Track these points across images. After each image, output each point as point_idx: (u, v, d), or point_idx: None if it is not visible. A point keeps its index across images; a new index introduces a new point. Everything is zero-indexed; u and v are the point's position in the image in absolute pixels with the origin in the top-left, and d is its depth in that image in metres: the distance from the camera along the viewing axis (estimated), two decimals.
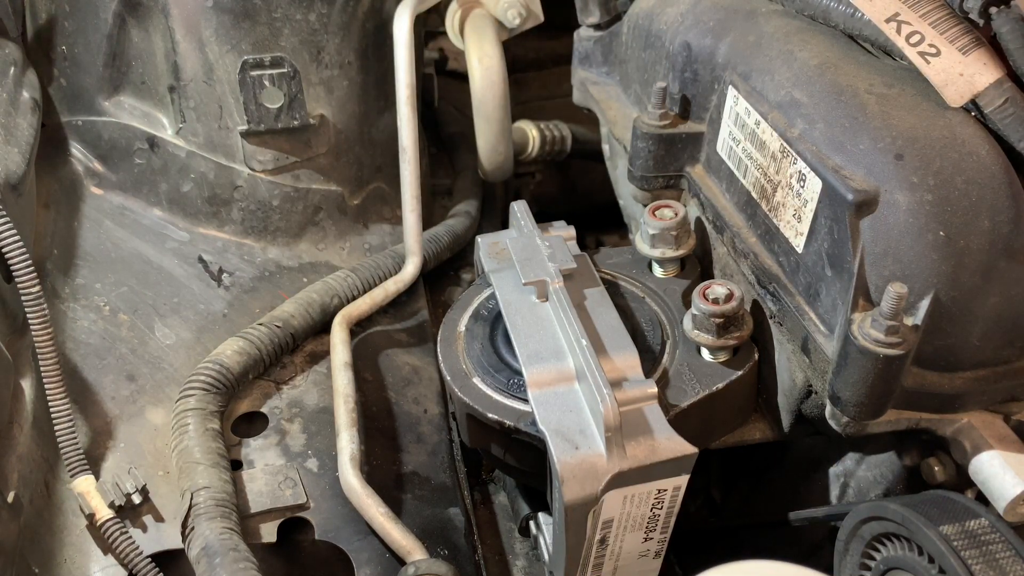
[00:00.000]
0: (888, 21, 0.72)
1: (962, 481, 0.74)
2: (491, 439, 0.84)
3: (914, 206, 0.67)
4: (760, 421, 0.89)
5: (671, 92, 0.94)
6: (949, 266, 0.67)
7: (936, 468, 0.77)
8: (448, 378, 0.85)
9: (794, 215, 0.77)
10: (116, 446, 0.93)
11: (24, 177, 0.99)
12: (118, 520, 0.84)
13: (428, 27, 1.47)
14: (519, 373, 0.80)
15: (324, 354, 1.07)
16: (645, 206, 0.94)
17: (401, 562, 0.84)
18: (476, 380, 0.84)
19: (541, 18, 1.26)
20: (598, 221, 1.52)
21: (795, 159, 0.76)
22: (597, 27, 1.18)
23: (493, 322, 0.89)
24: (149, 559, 0.83)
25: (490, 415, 0.80)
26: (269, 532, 0.89)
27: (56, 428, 0.86)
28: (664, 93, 0.92)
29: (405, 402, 1.05)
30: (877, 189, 0.68)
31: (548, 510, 0.88)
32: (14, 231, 0.87)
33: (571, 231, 0.96)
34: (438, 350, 0.88)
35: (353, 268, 1.14)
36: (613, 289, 0.91)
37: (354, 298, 1.11)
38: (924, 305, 0.67)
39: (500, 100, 1.22)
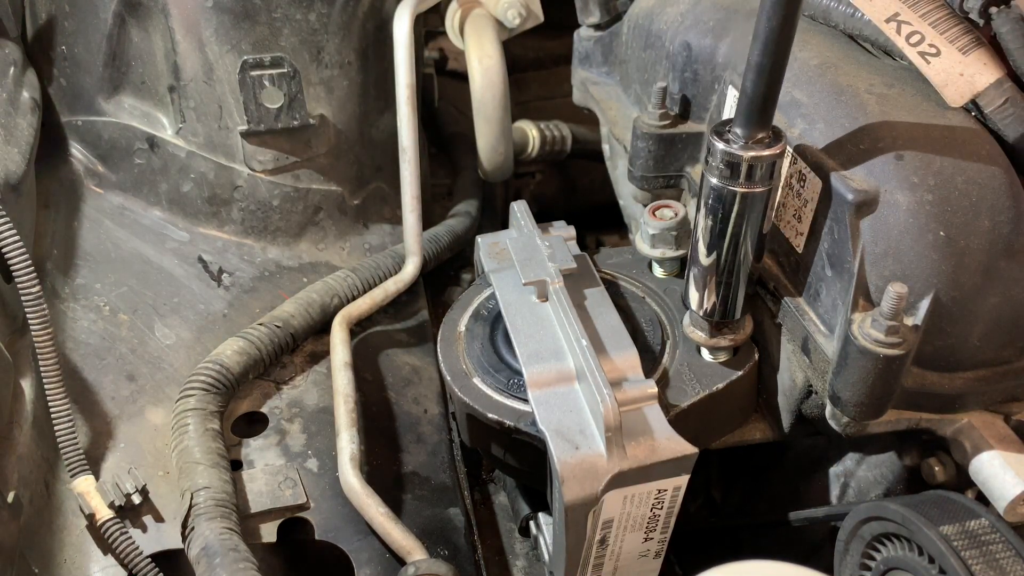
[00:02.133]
0: (888, 21, 0.72)
1: (962, 481, 0.74)
2: (491, 439, 0.84)
3: (914, 206, 0.67)
4: (760, 421, 0.89)
5: (671, 92, 0.94)
6: (949, 266, 0.67)
7: (936, 468, 0.77)
8: (448, 378, 0.85)
9: (794, 215, 0.77)
10: (116, 446, 0.93)
11: (24, 177, 0.99)
12: (118, 520, 0.83)
13: (428, 27, 1.47)
14: (519, 373, 0.80)
15: (324, 354, 1.07)
16: (645, 206, 0.94)
17: (401, 562, 0.84)
18: (476, 380, 0.84)
19: (541, 18, 1.26)
20: (598, 221, 1.52)
21: (795, 159, 0.76)
22: (597, 27, 1.18)
23: (493, 322, 0.89)
24: (149, 559, 0.83)
25: (490, 415, 0.80)
26: (269, 532, 0.89)
27: (56, 428, 0.86)
28: (664, 93, 0.92)
29: (405, 402, 1.05)
30: (877, 189, 0.68)
31: (548, 510, 0.88)
32: (14, 231, 0.87)
33: (571, 231, 0.96)
34: (438, 350, 0.88)
35: (353, 268, 1.14)
36: (613, 289, 0.91)
37: (354, 298, 1.11)
38: (924, 305, 0.67)
39: (500, 100, 1.22)
